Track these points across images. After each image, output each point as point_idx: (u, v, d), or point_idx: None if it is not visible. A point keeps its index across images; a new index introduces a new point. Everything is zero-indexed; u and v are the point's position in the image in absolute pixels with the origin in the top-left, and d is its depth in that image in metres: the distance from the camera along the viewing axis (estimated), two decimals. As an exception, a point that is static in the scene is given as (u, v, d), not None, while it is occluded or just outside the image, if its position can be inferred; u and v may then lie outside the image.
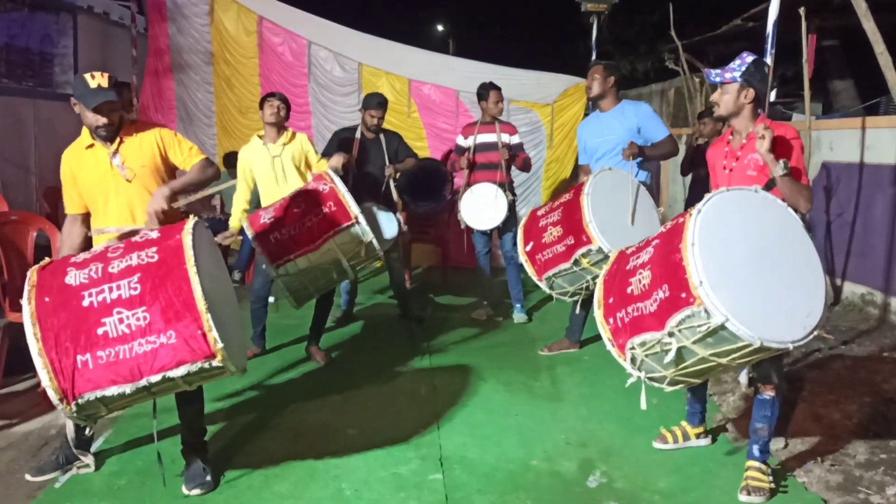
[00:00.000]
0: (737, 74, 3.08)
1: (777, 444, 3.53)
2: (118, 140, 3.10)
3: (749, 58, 3.10)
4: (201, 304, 2.46)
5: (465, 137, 5.72)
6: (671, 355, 2.63)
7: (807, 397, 4.10)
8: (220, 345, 2.47)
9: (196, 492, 3.01)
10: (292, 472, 3.23)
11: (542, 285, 4.15)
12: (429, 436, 3.62)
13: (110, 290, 2.50)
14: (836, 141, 6.31)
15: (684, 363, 2.68)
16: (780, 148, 2.99)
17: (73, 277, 2.55)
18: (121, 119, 3.12)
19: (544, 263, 4.06)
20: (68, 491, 3.05)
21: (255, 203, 4.83)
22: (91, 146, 3.12)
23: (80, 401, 2.45)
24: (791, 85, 10.50)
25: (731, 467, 3.31)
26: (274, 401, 4.07)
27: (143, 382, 2.46)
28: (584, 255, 3.86)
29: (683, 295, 2.52)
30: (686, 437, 3.53)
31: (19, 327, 3.85)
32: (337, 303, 5.63)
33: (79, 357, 2.43)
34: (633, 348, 2.77)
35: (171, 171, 3.23)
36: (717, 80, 3.11)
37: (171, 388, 2.63)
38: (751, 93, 3.10)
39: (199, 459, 3.12)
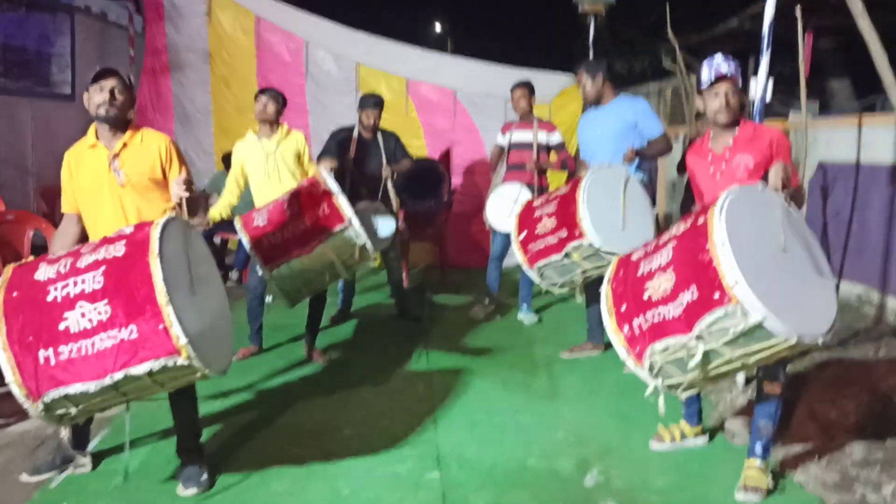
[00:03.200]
0: (739, 79, 3.07)
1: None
2: (122, 143, 3.05)
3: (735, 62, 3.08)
4: (162, 297, 2.36)
5: (503, 134, 5.69)
6: (697, 359, 2.56)
7: (803, 396, 4.10)
8: (183, 341, 2.36)
9: (192, 491, 3.01)
10: (289, 471, 3.23)
11: (532, 274, 4.15)
12: (426, 434, 3.63)
13: (75, 283, 2.42)
14: (832, 140, 6.32)
15: (708, 366, 2.63)
16: (777, 150, 3.00)
17: (42, 273, 2.49)
18: (125, 117, 3.07)
19: (536, 253, 4.07)
20: (64, 491, 3.04)
21: (246, 199, 4.82)
22: (94, 146, 3.06)
23: (45, 399, 2.39)
24: (787, 84, 10.50)
25: (729, 465, 3.31)
26: (271, 400, 4.07)
27: (106, 381, 2.37)
28: (575, 249, 3.87)
29: (717, 296, 2.45)
30: (683, 436, 3.53)
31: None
32: (333, 301, 5.64)
33: (41, 352, 2.37)
34: (652, 355, 2.68)
35: (167, 185, 3.12)
36: (738, 85, 3.05)
37: (143, 389, 2.53)
38: (743, 96, 3.12)
39: (194, 459, 3.11)
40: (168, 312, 2.36)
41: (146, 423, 3.57)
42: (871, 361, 4.71)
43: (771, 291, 2.47)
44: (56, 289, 2.44)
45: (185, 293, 2.51)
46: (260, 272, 3.91)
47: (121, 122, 3.06)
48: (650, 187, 4.59)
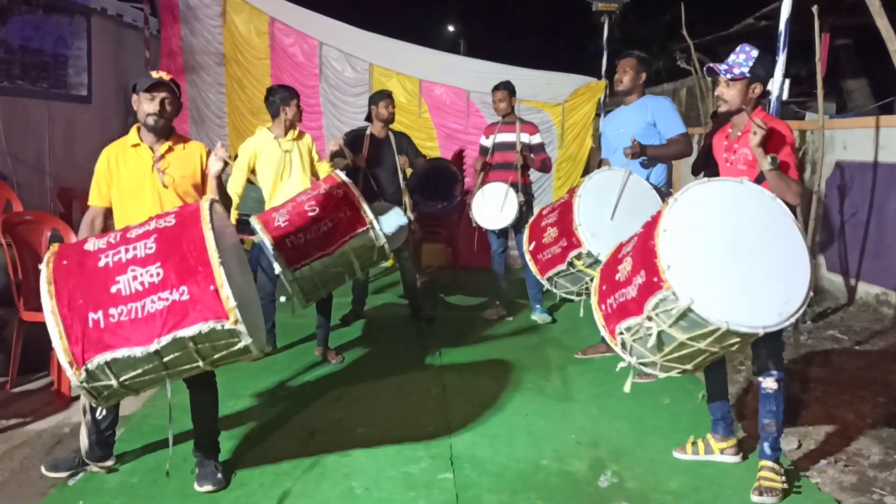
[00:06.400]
0: (745, 70, 3.06)
1: (790, 444, 3.51)
2: (167, 147, 3.19)
3: (754, 52, 3.08)
4: (215, 258, 2.44)
5: (487, 137, 5.72)
6: (652, 339, 2.70)
7: (820, 398, 4.07)
8: (232, 303, 2.43)
9: (207, 488, 3.03)
10: (303, 470, 3.24)
11: (546, 284, 4.14)
12: (439, 435, 3.62)
13: (126, 250, 2.52)
14: (849, 140, 6.27)
15: (667, 348, 2.74)
16: (771, 142, 3.01)
17: (92, 244, 2.59)
18: (171, 126, 3.22)
19: (545, 263, 4.07)
20: (81, 489, 3.07)
21: (256, 198, 4.84)
22: (137, 145, 3.19)
23: (89, 366, 2.41)
24: (804, 84, 10.43)
25: (743, 468, 3.29)
26: (284, 400, 4.09)
27: (153, 346, 2.41)
28: (577, 258, 3.85)
29: (655, 279, 2.60)
30: (709, 450, 3.36)
31: (34, 326, 3.91)
32: (346, 302, 5.65)
33: (91, 315, 2.41)
34: (621, 333, 2.85)
35: (202, 191, 3.28)
36: (728, 76, 3.08)
37: (184, 361, 2.55)
38: (759, 88, 3.10)
39: (210, 458, 3.14)
40: (220, 273, 2.44)
41: (163, 423, 3.59)
42: (889, 363, 4.67)
43: (708, 279, 2.58)
44: (107, 256, 2.52)
45: (229, 263, 2.57)
46: (278, 271, 3.93)
47: (166, 131, 3.21)
48: (665, 192, 4.44)
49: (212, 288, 2.43)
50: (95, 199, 3.23)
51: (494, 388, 4.29)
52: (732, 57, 3.12)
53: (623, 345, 2.88)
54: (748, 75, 3.07)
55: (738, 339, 2.66)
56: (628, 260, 2.85)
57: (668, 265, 2.55)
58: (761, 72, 3.09)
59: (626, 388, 2.94)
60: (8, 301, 4.19)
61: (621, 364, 2.93)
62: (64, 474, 3.14)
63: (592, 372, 4.59)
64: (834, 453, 3.44)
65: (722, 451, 3.36)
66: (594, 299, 3.04)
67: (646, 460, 3.39)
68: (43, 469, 3.16)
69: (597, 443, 3.57)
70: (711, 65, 3.16)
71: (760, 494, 2.99)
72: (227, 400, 3.93)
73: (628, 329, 2.80)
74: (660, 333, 2.69)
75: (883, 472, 3.26)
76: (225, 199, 3.23)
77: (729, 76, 3.08)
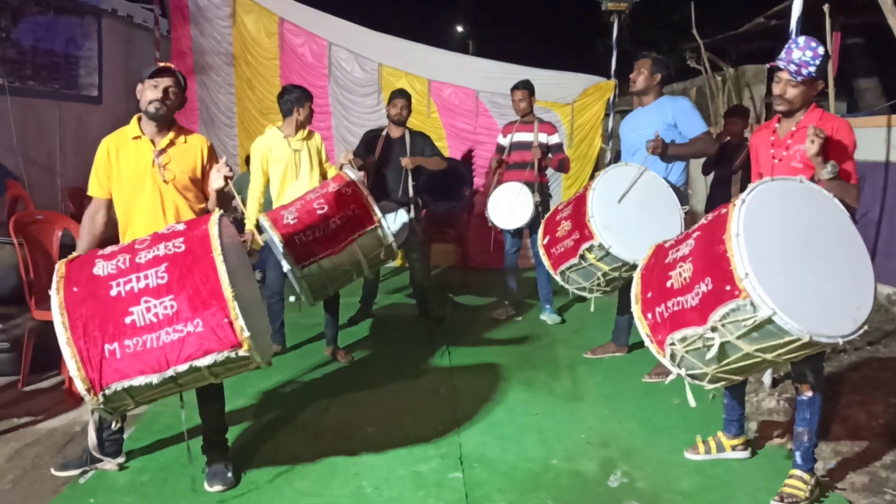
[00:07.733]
0: (813, 70, 2.90)
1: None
2: (168, 140, 3.13)
3: (820, 48, 2.91)
4: (228, 292, 2.46)
5: (504, 136, 5.72)
6: (714, 351, 2.54)
7: (832, 398, 4.04)
8: (246, 333, 2.47)
9: (218, 488, 3.04)
10: (313, 469, 3.25)
11: (559, 279, 4.14)
12: (449, 434, 3.62)
13: (138, 279, 2.51)
14: (861, 139, 6.13)
15: (727, 359, 2.59)
16: (832, 148, 2.87)
17: (101, 268, 2.56)
18: (172, 117, 3.17)
19: (558, 257, 4.06)
20: (92, 487, 3.08)
21: (266, 198, 4.85)
22: (138, 137, 3.11)
23: (107, 391, 2.45)
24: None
25: (754, 468, 3.28)
26: (294, 399, 4.10)
27: (169, 372, 2.46)
28: (588, 251, 3.84)
29: (728, 288, 2.42)
30: (721, 448, 3.37)
31: (45, 325, 3.93)
32: (354, 302, 5.65)
33: (106, 346, 2.43)
34: (673, 344, 2.68)
35: (203, 185, 3.23)
36: (798, 78, 2.92)
37: (197, 381, 2.63)
38: (820, 85, 3.00)
39: (220, 457, 3.15)
40: (233, 306, 2.46)
41: (173, 422, 3.61)
42: (901, 364, 4.63)
43: (786, 287, 2.42)
44: (118, 284, 2.51)
45: (238, 286, 2.58)
46: (286, 268, 3.94)
47: (167, 121, 3.15)
48: (685, 191, 4.40)
49: (226, 321, 2.46)
50: (96, 190, 3.15)
51: (504, 387, 4.28)
52: (798, 53, 2.91)
53: (672, 356, 2.71)
54: (814, 75, 2.93)
55: (809, 349, 2.52)
56: (685, 266, 2.65)
57: (745, 273, 2.37)
58: (825, 69, 2.98)
59: (691, 402, 2.74)
60: (19, 300, 4.22)
61: (671, 377, 2.78)
62: (74, 472, 3.16)
63: (602, 372, 4.58)
64: (846, 454, 3.42)
65: (733, 448, 3.36)
66: (636, 308, 2.85)
67: (656, 460, 3.38)
68: (53, 470, 3.18)
69: (607, 443, 3.56)
70: (779, 63, 2.96)
71: (781, 500, 2.91)
72: (236, 399, 3.94)
73: (683, 340, 2.63)
74: (723, 344, 2.52)
75: (895, 472, 3.24)
76: (225, 206, 3.19)
77: (799, 78, 2.92)
